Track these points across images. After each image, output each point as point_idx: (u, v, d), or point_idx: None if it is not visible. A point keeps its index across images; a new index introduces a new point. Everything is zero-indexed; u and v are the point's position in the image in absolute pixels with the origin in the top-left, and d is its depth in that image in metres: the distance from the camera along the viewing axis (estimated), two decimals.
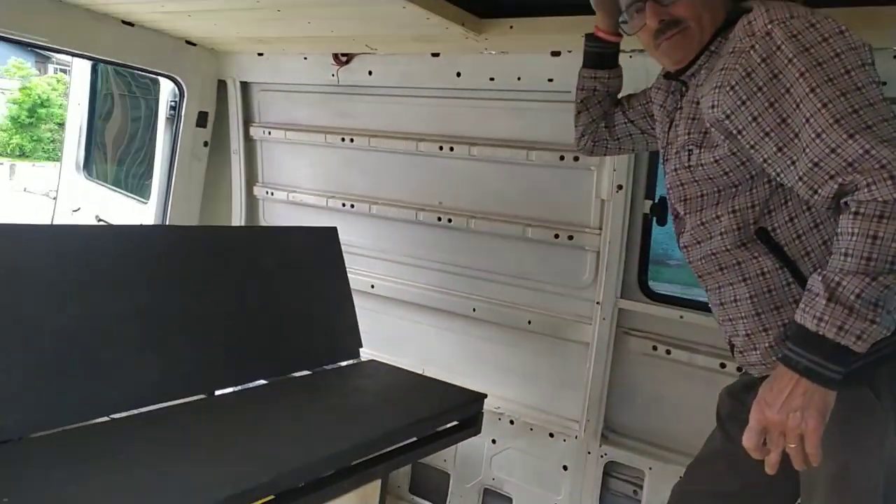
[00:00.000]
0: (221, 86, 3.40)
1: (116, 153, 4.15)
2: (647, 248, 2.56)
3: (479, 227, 2.82)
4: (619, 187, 2.50)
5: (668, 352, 2.49)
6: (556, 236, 2.66)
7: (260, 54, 3.22)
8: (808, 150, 1.26)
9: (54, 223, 1.91)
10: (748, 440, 1.33)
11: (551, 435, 2.71)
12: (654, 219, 2.49)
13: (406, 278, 3.06)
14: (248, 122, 3.44)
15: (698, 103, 1.48)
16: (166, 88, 3.39)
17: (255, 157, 3.49)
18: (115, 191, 3.92)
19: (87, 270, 1.92)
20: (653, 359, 2.54)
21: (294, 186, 3.37)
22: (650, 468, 2.52)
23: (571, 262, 2.67)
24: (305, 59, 3.11)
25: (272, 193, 3.44)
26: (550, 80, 2.50)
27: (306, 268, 2.61)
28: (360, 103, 3.08)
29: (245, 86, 3.39)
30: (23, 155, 21.32)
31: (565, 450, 2.68)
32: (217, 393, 2.15)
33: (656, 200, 2.47)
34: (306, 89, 3.21)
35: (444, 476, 2.99)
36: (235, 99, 3.40)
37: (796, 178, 1.30)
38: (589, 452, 2.63)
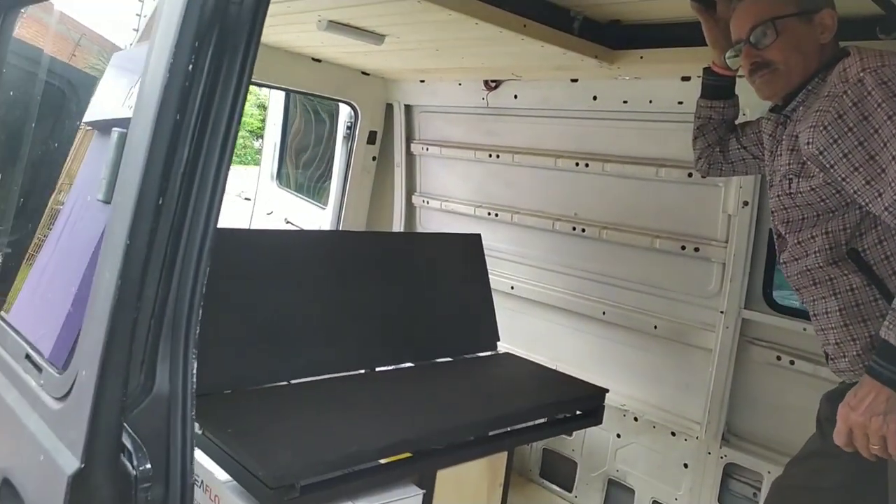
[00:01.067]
0: (388, 108, 3.92)
1: (302, 166, 4.87)
2: (773, 262, 2.66)
3: (610, 238, 3.07)
4: (745, 203, 2.63)
5: (792, 362, 2.58)
6: (683, 248, 2.83)
7: (422, 81, 3.69)
8: (893, 184, 1.43)
9: (255, 228, 2.46)
10: (837, 437, 1.52)
11: (673, 434, 2.89)
12: None
13: (543, 282, 3.37)
14: (409, 139, 3.94)
15: (797, 137, 1.65)
16: (343, 111, 3.97)
17: (414, 170, 3.98)
18: (300, 197, 4.62)
19: (281, 267, 2.45)
20: (776, 368, 2.64)
21: (447, 196, 3.80)
22: (769, 472, 2.62)
23: (697, 272, 2.83)
24: (460, 84, 3.53)
25: (427, 202, 3.90)
26: (680, 103, 2.69)
27: (453, 269, 3.01)
28: (505, 123, 3.44)
29: (408, 108, 3.89)
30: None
31: (686, 449, 2.85)
32: (377, 369, 2.60)
33: None
34: (460, 111, 3.63)
35: (571, 464, 3.26)
36: (400, 119, 3.90)
37: (882, 208, 1.46)
38: (709, 453, 2.77)
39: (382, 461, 2.00)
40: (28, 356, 1.10)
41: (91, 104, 1.66)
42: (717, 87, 2.06)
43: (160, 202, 0.97)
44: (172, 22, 0.95)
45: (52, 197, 1.87)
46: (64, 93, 2.57)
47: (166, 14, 0.98)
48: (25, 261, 1.68)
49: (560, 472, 3.33)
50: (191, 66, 0.96)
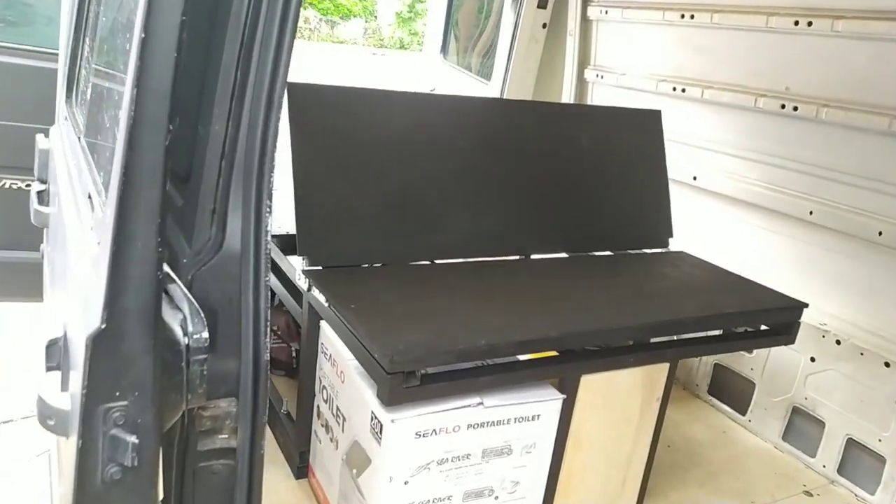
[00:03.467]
0: None
1: (468, 41, 4.51)
2: None
3: (831, 118, 2.43)
4: None
5: None
6: None
7: None
8: None
9: (405, 90, 2.20)
10: None
11: (887, 364, 2.34)
12: None
13: (735, 172, 2.82)
14: (586, 1, 3.41)
15: None
16: None
17: (589, 39, 3.47)
18: (464, 72, 4.30)
19: (425, 132, 2.19)
20: None
21: (624, 70, 3.28)
22: None
23: None
24: None
25: (602, 77, 3.41)
26: None
27: (626, 150, 2.58)
28: None
29: None
30: (402, 47, 24.33)
31: None
32: (532, 256, 2.32)
33: None
34: None
35: (748, 384, 2.83)
36: None
37: None
38: None
39: (521, 358, 1.76)
40: (89, 195, 0.95)
41: None
42: None
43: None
44: None
45: None
46: None
47: None
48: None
49: (733, 391, 2.91)
50: None
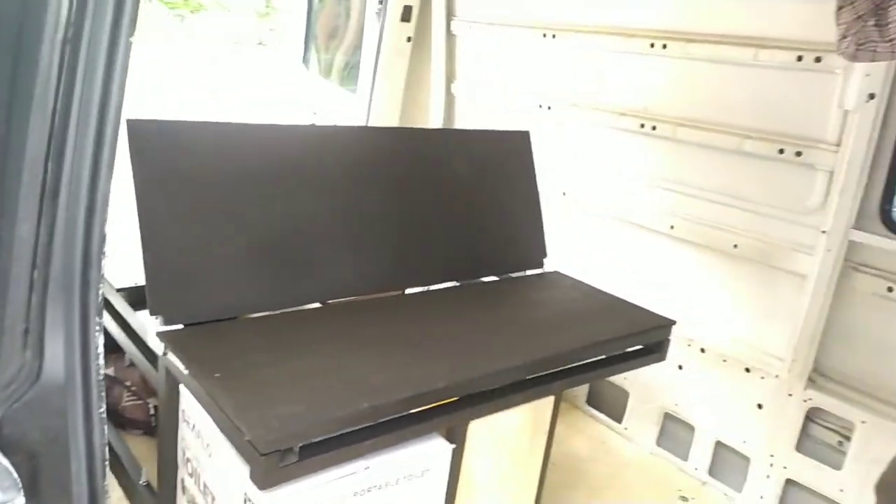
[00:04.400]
0: None
1: (331, 50, 4.32)
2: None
3: (686, 137, 2.54)
4: (871, 96, 2.07)
5: None
6: (781, 151, 2.30)
7: None
8: None
9: (258, 123, 2.01)
10: None
11: (747, 370, 2.49)
12: None
13: (600, 187, 2.89)
14: (450, 16, 3.36)
15: None
16: None
17: (454, 53, 3.42)
18: (329, 82, 4.12)
19: (293, 168, 2.03)
20: (885, 301, 2.18)
21: (490, 84, 3.27)
22: (863, 421, 2.23)
23: (796, 182, 2.31)
24: None
25: (469, 91, 3.38)
26: None
27: (498, 172, 2.54)
28: None
29: None
30: (260, 44, 23.36)
31: (763, 388, 2.46)
32: (407, 291, 2.23)
33: None
34: None
35: (623, 394, 2.92)
36: None
37: None
38: (790, 395, 2.38)
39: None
40: None
41: None
42: None
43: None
44: None
45: None
46: None
47: None
48: None
49: (610, 401, 2.99)
50: None
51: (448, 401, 1.68)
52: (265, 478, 1.37)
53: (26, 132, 0.72)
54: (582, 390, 3.05)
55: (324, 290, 2.01)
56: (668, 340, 2.24)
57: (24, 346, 0.76)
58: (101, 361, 0.76)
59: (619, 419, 2.94)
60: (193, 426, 1.70)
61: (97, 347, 0.76)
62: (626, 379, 2.88)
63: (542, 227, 2.58)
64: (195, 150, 1.83)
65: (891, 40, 1.53)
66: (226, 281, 1.82)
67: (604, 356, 2.10)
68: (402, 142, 2.41)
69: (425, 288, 2.26)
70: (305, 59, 4.29)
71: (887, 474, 1.58)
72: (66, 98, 0.71)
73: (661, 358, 2.24)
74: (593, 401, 3.05)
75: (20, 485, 0.69)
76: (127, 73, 0.77)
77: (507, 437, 1.88)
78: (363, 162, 2.20)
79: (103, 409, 0.77)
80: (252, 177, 1.91)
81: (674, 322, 2.21)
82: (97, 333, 0.75)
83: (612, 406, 2.97)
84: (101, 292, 0.75)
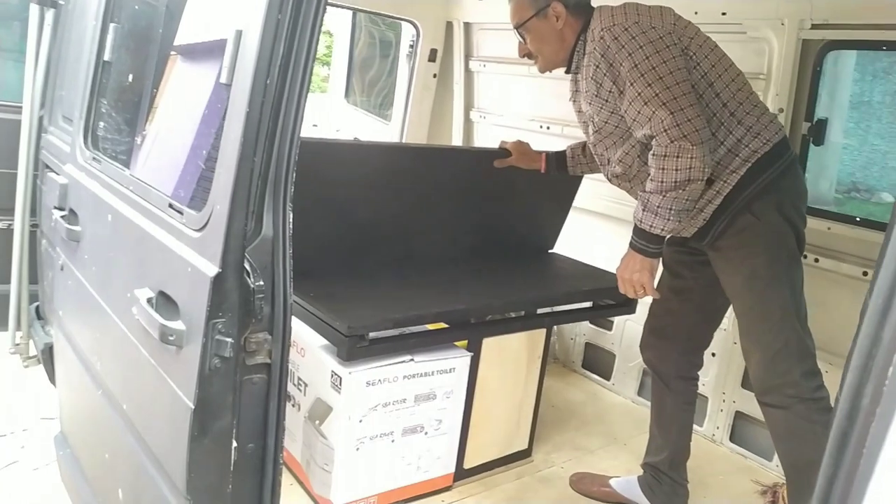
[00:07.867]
0: (448, 27, 4.14)
1: (367, 86, 5.17)
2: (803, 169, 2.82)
3: None
4: (780, 110, 2.78)
5: (817, 260, 2.79)
6: None
7: None
8: (640, 115, 1.94)
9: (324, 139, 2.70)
10: (621, 288, 2.11)
11: None
12: (812, 140, 2.76)
13: (590, 192, 3.61)
14: (468, 56, 4.16)
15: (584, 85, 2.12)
16: (406, 32, 4.22)
17: (472, 86, 4.21)
18: (368, 114, 4.94)
19: (349, 177, 2.75)
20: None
21: (501, 112, 4.04)
22: None
23: None
24: None
25: (484, 117, 4.15)
26: None
27: (527, 182, 3.15)
28: None
29: (467, 26, 4.10)
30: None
31: (715, 339, 3.10)
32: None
33: (814, 122, 2.73)
34: None
35: (610, 356, 3.60)
36: (459, 37, 4.12)
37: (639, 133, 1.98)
38: (735, 343, 3.03)
39: (435, 326, 2.37)
40: (171, 205, 1.48)
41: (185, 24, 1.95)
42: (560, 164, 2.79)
43: (267, 82, 1.30)
44: None
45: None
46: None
47: None
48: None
49: (600, 363, 3.67)
50: None
51: (442, 326, 2.38)
52: (348, 353, 2.10)
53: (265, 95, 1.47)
54: (578, 355, 3.73)
55: (381, 260, 2.66)
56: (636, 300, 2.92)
57: (252, 219, 1.50)
58: (291, 227, 1.50)
59: (608, 377, 3.61)
60: (294, 341, 2.42)
61: (289, 221, 1.49)
62: (613, 344, 3.56)
63: (561, 226, 3.22)
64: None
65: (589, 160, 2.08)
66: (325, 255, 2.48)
67: (585, 305, 2.80)
68: (431, 157, 3.02)
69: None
70: (348, 94, 5.14)
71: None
72: (274, 117, 1.46)
73: (632, 311, 2.92)
74: (587, 364, 3.72)
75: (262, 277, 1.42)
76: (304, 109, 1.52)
77: (510, 355, 2.58)
78: (401, 175, 2.78)
79: (290, 250, 1.50)
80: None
81: None
82: (289, 212, 1.49)
83: (603, 367, 3.65)
84: (291, 193, 1.49)
